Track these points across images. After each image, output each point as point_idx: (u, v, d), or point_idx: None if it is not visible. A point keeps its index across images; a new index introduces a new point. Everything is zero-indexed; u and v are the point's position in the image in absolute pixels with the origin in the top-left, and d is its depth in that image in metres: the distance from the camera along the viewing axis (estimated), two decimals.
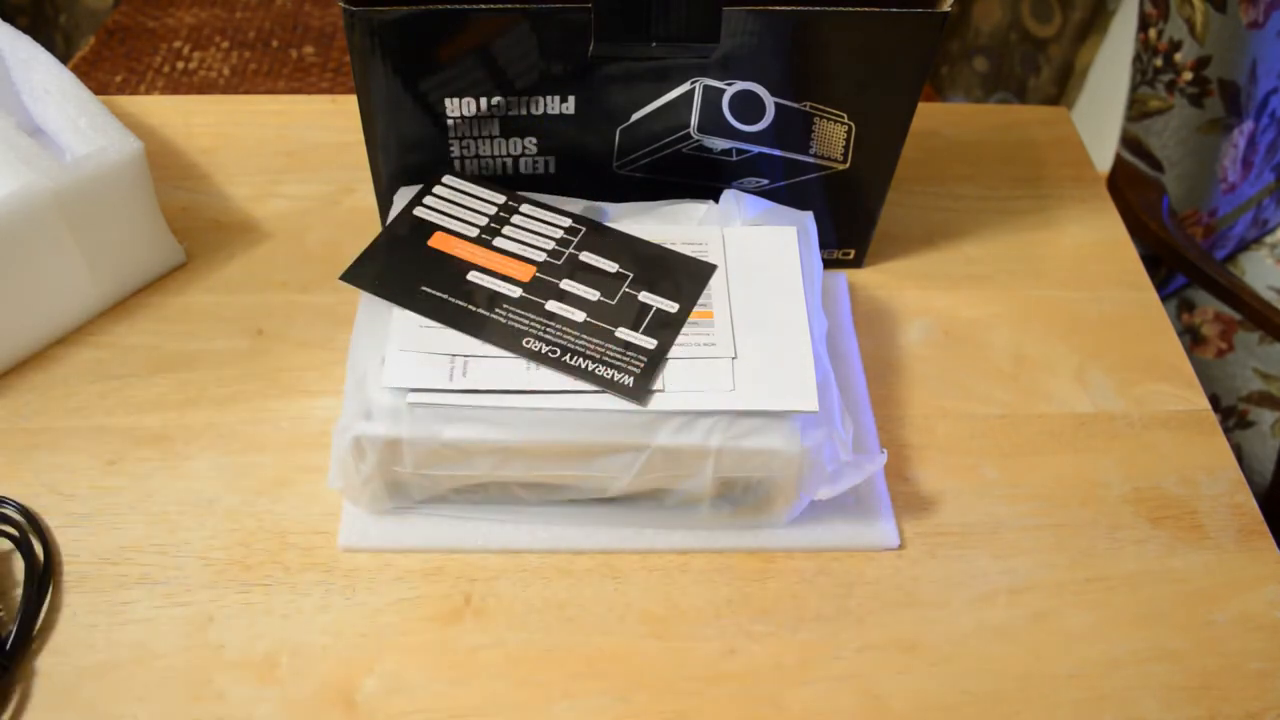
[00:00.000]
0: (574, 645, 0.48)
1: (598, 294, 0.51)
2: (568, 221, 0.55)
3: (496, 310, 0.50)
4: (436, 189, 0.56)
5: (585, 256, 0.53)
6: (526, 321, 0.49)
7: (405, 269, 0.52)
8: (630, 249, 0.54)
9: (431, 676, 0.46)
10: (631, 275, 0.52)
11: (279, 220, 0.66)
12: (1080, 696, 0.47)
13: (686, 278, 0.52)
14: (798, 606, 0.50)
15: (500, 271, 0.52)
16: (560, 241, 0.54)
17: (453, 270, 0.52)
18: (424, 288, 0.51)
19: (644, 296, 0.51)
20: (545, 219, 0.55)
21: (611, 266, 0.53)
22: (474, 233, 0.54)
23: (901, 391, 0.59)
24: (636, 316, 0.50)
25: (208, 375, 0.57)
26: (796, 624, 0.49)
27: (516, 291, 0.51)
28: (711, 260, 0.54)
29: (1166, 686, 0.48)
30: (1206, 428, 0.59)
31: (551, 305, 0.50)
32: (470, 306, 0.50)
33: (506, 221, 0.55)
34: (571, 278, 0.52)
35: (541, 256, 0.53)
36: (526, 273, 0.52)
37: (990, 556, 0.52)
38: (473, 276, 0.51)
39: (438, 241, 0.53)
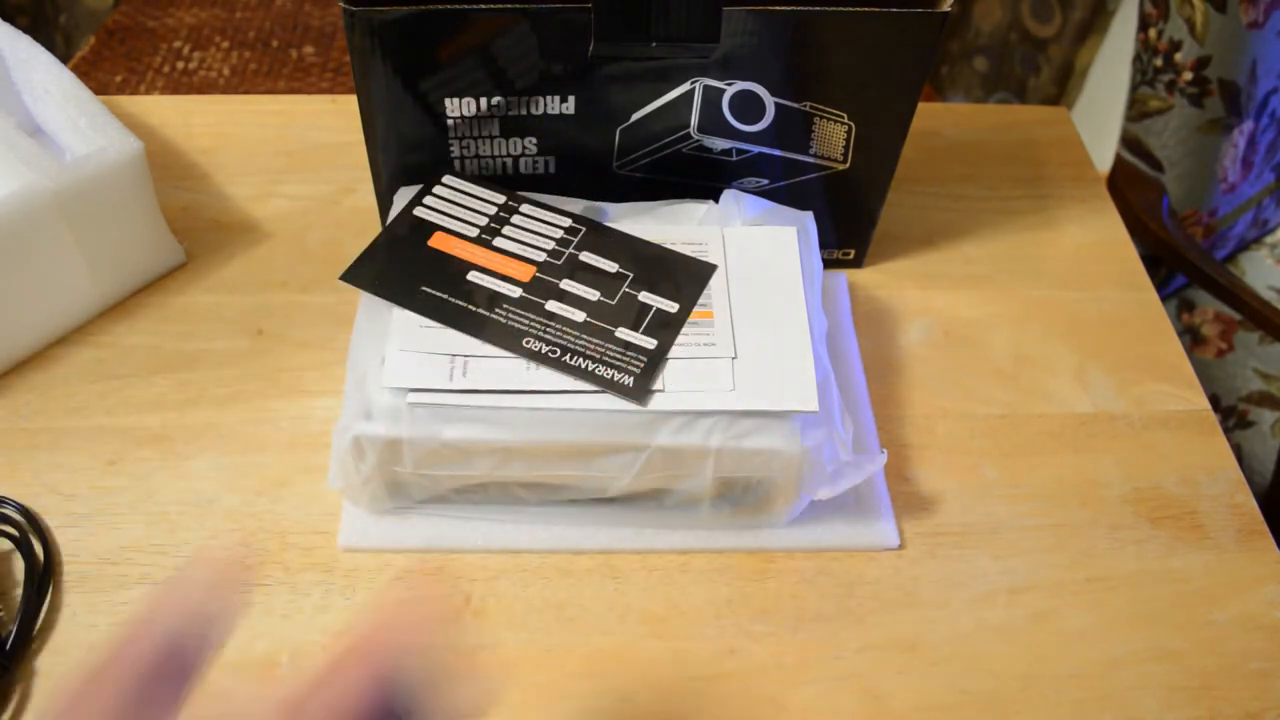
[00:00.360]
0: (574, 645, 0.48)
1: (598, 294, 0.51)
2: (568, 221, 0.55)
3: (496, 310, 0.50)
4: (436, 189, 0.56)
5: (585, 256, 0.53)
6: (526, 321, 0.49)
7: (405, 269, 0.52)
8: (630, 249, 0.54)
9: None
10: (631, 275, 0.52)
11: (279, 220, 0.66)
12: (1080, 696, 0.47)
13: (686, 278, 0.52)
14: (798, 606, 0.50)
15: (500, 271, 0.52)
16: (560, 241, 0.54)
17: (453, 270, 0.52)
18: (424, 288, 0.50)
19: (644, 296, 0.51)
20: (545, 219, 0.55)
21: (611, 266, 0.52)
22: (474, 233, 0.54)
23: (901, 391, 0.59)
24: (636, 316, 0.50)
25: (208, 375, 0.57)
26: (796, 624, 0.49)
27: (516, 291, 0.51)
28: (711, 260, 0.54)
29: (1166, 686, 0.48)
30: (1206, 428, 0.59)
31: (551, 305, 0.50)
32: (470, 306, 0.50)
33: (506, 221, 0.55)
34: (571, 278, 0.52)
35: (541, 256, 0.53)
36: (526, 273, 0.52)
37: (990, 556, 0.52)
38: (473, 276, 0.51)
39: (438, 241, 0.53)
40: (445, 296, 0.50)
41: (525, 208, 0.55)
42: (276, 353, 0.59)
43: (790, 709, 0.46)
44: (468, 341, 0.48)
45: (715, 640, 0.48)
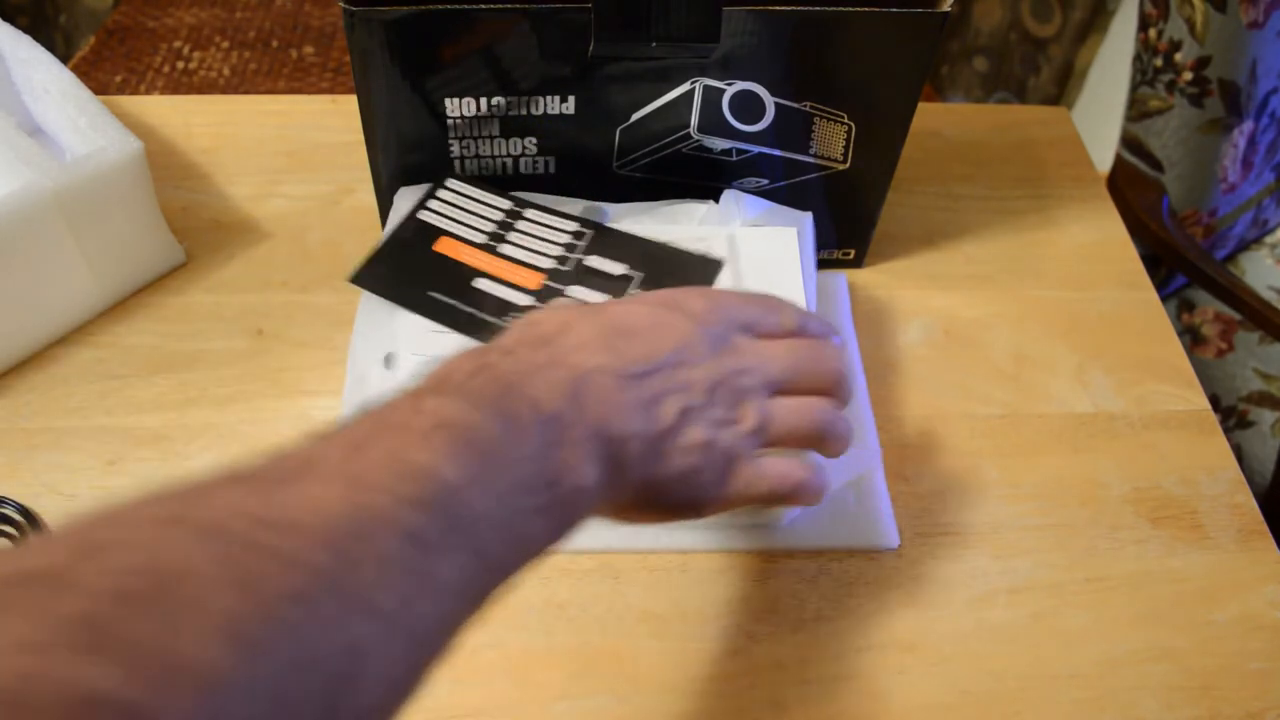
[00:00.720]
0: (574, 645, 0.48)
1: (606, 299, 0.51)
2: (574, 225, 0.55)
3: (505, 318, 0.50)
4: (441, 193, 0.56)
5: (592, 260, 0.53)
6: None
7: (413, 273, 0.51)
8: (637, 249, 0.54)
9: (431, 676, 0.46)
10: (639, 276, 0.52)
11: (279, 220, 0.66)
12: (1080, 696, 0.47)
13: (693, 274, 0.52)
14: (798, 606, 0.49)
15: (508, 279, 0.52)
16: (567, 246, 0.54)
17: (460, 276, 0.52)
18: (431, 293, 0.50)
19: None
20: (551, 223, 0.55)
21: (619, 269, 0.52)
22: (480, 239, 0.54)
23: (901, 391, 0.59)
24: None
25: (208, 375, 0.57)
26: (796, 624, 0.49)
27: (526, 300, 0.51)
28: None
29: (1166, 686, 0.48)
30: (1206, 428, 0.59)
31: None
32: (479, 314, 0.50)
33: (512, 227, 0.54)
34: (580, 283, 0.52)
35: (549, 263, 0.53)
36: (535, 280, 0.52)
37: (990, 556, 0.52)
38: (480, 283, 0.51)
39: (444, 246, 0.53)
40: (454, 302, 0.50)
41: (530, 213, 0.55)
42: (276, 353, 0.59)
43: (790, 709, 0.46)
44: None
45: (715, 640, 0.48)
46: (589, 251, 0.53)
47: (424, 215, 0.54)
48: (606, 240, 0.54)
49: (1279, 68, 0.89)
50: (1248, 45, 0.85)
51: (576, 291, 0.51)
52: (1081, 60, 1.56)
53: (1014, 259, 0.68)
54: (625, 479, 0.34)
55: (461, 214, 0.55)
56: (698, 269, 0.53)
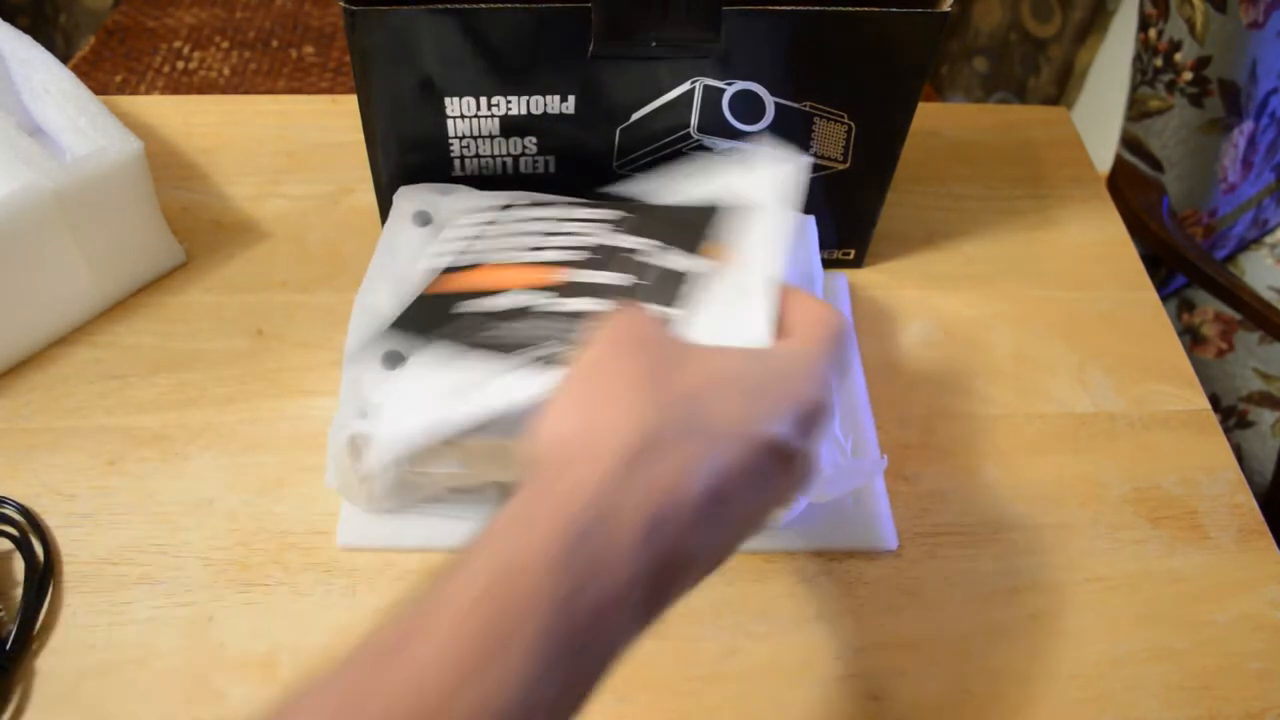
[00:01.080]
0: None
1: (634, 279, 0.50)
2: (598, 214, 0.53)
3: (520, 325, 0.48)
4: (450, 231, 0.54)
5: (622, 240, 0.51)
6: (558, 329, 0.48)
7: (430, 319, 0.50)
8: (669, 218, 0.52)
9: None
10: (661, 246, 0.51)
11: (279, 220, 0.66)
12: (1080, 696, 0.47)
13: (713, 226, 0.51)
14: (798, 606, 0.49)
15: (529, 285, 0.50)
16: (592, 239, 0.52)
17: (481, 304, 0.50)
18: (454, 326, 0.49)
19: (672, 263, 0.49)
20: (577, 216, 0.53)
21: (647, 244, 0.51)
22: (502, 256, 0.53)
23: (901, 391, 0.59)
24: (671, 290, 0.48)
25: (208, 375, 0.57)
26: (796, 624, 0.49)
27: (548, 304, 0.49)
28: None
29: (1166, 686, 0.48)
30: (1206, 428, 0.59)
31: (582, 303, 0.49)
32: (498, 333, 0.49)
33: (534, 233, 0.53)
34: (607, 268, 0.50)
35: (574, 255, 0.51)
36: (558, 279, 0.50)
37: (990, 556, 0.52)
38: (503, 300, 0.50)
39: (456, 283, 0.52)
40: (476, 331, 0.48)
41: (547, 211, 0.54)
42: (276, 353, 0.59)
43: (790, 709, 0.46)
44: (502, 361, 0.47)
45: (715, 640, 0.48)
46: (621, 231, 0.52)
47: (437, 261, 0.53)
48: (642, 219, 0.53)
49: (1279, 68, 0.89)
50: (1248, 45, 0.85)
51: (604, 276, 0.49)
52: (1081, 60, 1.56)
53: (1014, 259, 0.68)
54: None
55: (476, 242, 0.53)
56: (719, 218, 0.51)
